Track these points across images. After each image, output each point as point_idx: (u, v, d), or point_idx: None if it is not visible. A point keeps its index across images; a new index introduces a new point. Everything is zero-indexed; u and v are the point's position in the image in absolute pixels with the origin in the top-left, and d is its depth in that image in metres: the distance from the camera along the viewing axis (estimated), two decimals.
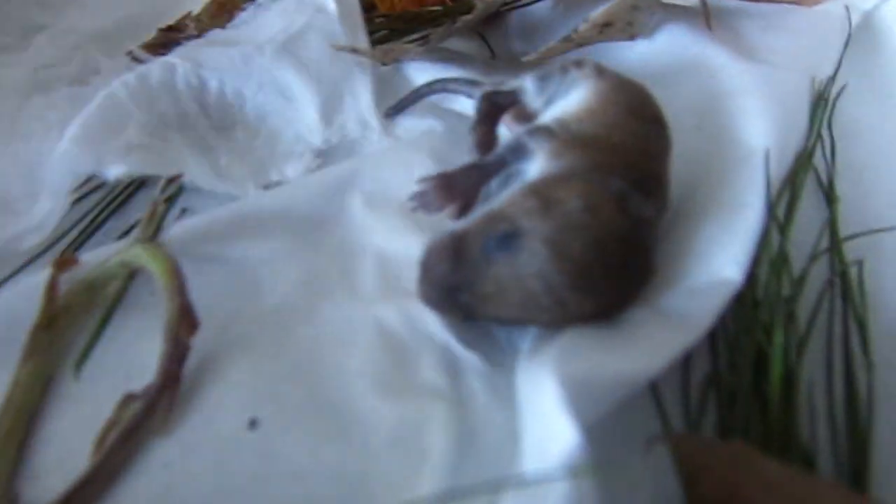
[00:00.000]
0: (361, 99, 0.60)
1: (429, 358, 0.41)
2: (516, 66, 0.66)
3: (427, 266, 0.38)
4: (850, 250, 0.46)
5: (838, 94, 0.62)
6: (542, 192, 0.38)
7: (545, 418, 0.29)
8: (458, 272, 0.37)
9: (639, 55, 0.65)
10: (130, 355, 0.41)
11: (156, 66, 0.55)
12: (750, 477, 0.28)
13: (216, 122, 0.56)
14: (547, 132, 0.44)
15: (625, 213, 0.37)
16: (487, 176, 0.45)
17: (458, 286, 0.37)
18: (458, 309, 0.38)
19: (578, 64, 0.52)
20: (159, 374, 0.38)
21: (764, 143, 0.48)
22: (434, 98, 0.62)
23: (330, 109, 0.58)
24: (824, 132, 0.57)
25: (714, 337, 0.40)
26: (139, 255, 0.43)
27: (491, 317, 0.38)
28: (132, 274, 0.45)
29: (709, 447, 0.30)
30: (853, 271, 0.44)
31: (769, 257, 0.43)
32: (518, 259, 0.35)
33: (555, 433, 0.28)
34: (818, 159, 0.55)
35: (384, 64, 0.64)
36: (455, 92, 0.61)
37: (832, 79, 0.62)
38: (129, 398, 0.37)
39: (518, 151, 0.45)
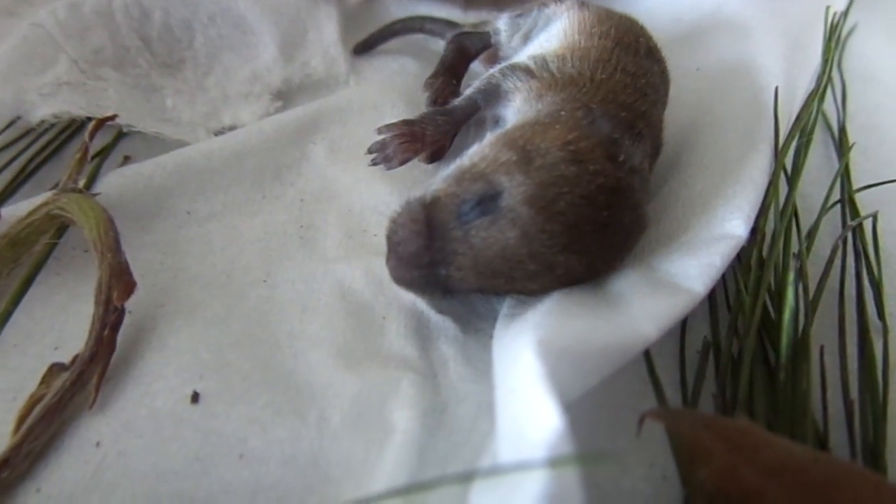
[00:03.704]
0: (326, 33, 0.54)
1: (396, 323, 0.37)
2: (499, 1, 0.61)
3: (397, 243, 0.33)
4: (864, 202, 0.42)
5: (850, 32, 0.57)
6: (519, 142, 0.33)
7: (523, 396, 0.25)
8: (432, 246, 0.32)
9: None
10: (59, 321, 0.37)
11: None
12: (755, 461, 0.25)
13: (161, 58, 0.51)
14: (523, 71, 0.39)
15: (615, 161, 0.32)
16: (457, 123, 0.41)
17: (435, 262, 0.32)
18: (436, 287, 0.34)
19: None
20: (90, 342, 0.34)
21: (771, 84, 0.44)
22: (408, 35, 0.57)
23: (291, 45, 0.53)
24: (835, 74, 0.53)
25: (714, 299, 0.36)
26: (67, 206, 0.38)
27: (473, 289, 0.34)
28: (62, 229, 0.40)
29: (709, 425, 0.26)
30: (867, 225, 0.40)
31: (776, 210, 0.38)
32: (498, 223, 0.31)
33: (534, 414, 0.24)
34: (828, 103, 0.50)
35: None
36: (429, 33, 0.56)
37: (844, 14, 0.57)
38: (56, 368, 0.33)
39: (491, 94, 0.40)
